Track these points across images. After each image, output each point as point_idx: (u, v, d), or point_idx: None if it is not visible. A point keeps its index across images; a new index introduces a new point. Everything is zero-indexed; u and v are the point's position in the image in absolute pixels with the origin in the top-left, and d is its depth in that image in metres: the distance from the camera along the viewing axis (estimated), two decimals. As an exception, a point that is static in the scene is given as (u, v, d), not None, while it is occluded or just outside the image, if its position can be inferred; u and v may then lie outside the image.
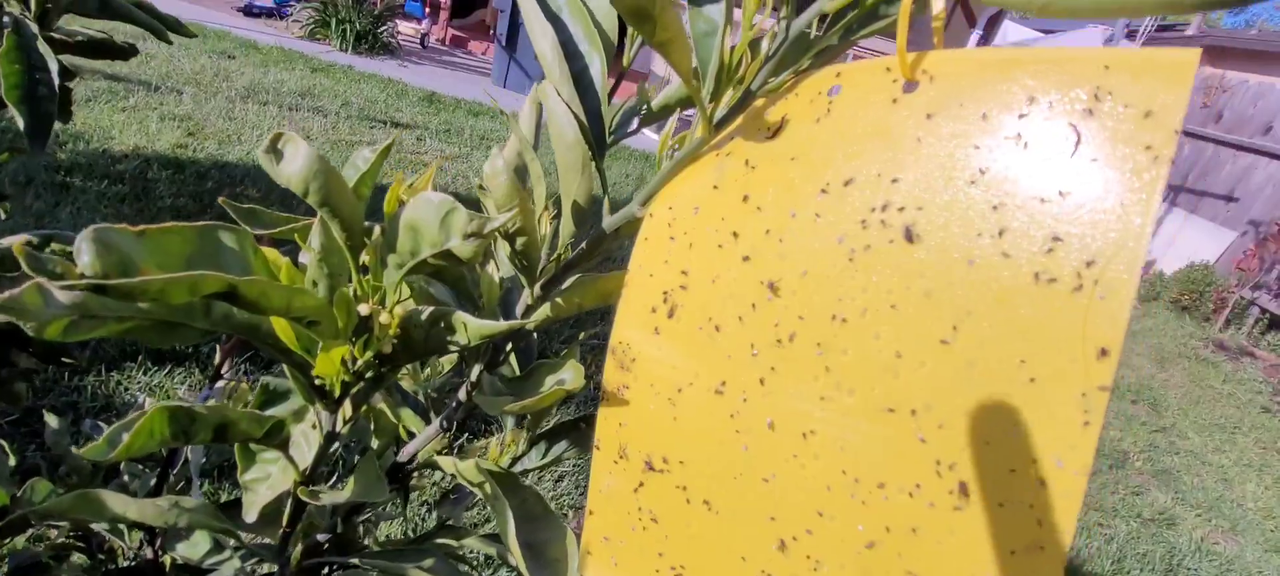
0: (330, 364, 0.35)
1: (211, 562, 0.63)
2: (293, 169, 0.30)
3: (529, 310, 0.44)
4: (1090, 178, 0.24)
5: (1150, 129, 0.23)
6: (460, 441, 0.76)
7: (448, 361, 0.64)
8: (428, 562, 0.54)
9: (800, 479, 0.30)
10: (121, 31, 0.74)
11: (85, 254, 0.25)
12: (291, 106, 4.34)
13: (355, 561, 0.52)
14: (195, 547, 0.64)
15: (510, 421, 0.60)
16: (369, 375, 0.39)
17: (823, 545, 0.29)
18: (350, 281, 0.36)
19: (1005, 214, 0.25)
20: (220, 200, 0.40)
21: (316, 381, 0.38)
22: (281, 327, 0.35)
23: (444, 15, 8.79)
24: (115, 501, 0.44)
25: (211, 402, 0.70)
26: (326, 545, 0.58)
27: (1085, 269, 0.23)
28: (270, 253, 0.36)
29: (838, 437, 0.29)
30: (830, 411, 0.29)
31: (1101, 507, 2.72)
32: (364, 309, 0.34)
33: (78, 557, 0.80)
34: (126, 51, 0.68)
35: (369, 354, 0.36)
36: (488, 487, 0.43)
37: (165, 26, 0.70)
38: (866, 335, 0.28)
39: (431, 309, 0.37)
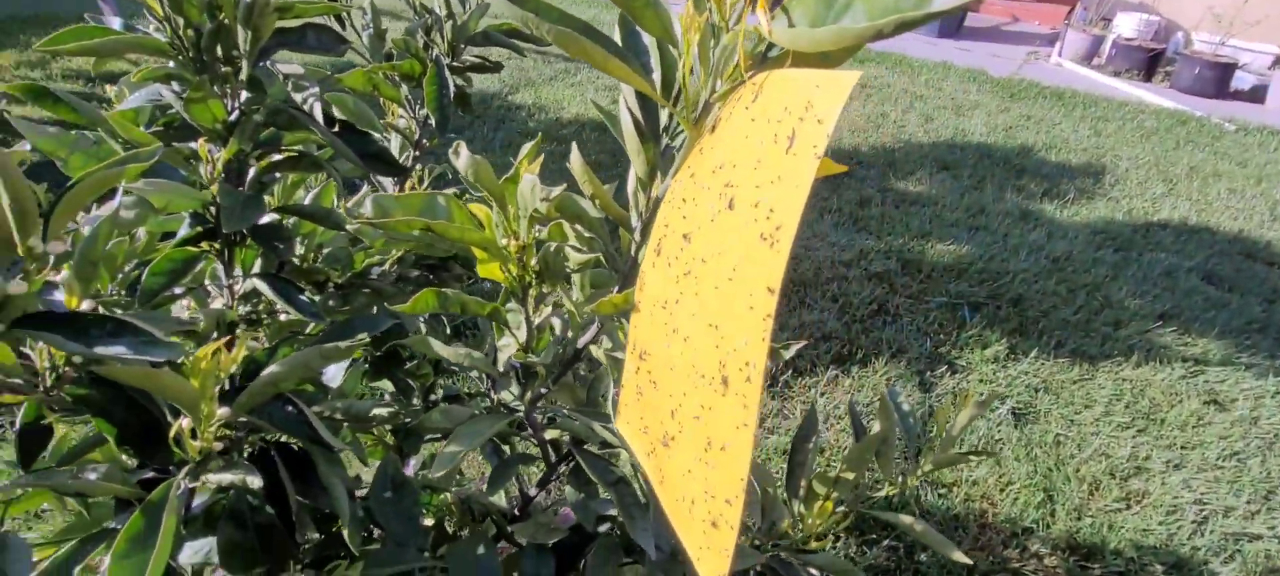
0: (491, 270, 0.60)
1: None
2: (460, 164, 0.55)
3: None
4: (789, 166, 0.33)
5: (820, 132, 0.32)
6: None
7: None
8: (604, 421, 0.78)
9: (683, 368, 0.44)
10: (494, 54, 1.12)
11: (367, 207, 0.55)
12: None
13: (565, 408, 0.79)
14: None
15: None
16: (530, 283, 0.63)
17: (685, 412, 0.43)
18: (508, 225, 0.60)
19: (760, 191, 0.36)
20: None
21: (502, 286, 0.64)
22: (476, 252, 0.61)
23: None
24: (436, 345, 0.79)
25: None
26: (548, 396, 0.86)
27: (775, 231, 0.33)
28: (478, 207, 0.62)
29: (695, 341, 0.42)
30: (695, 324, 0.42)
31: None
32: (503, 241, 0.58)
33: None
34: (495, 67, 1.04)
35: (518, 269, 0.60)
36: (606, 365, 0.64)
37: (522, 41, 1.05)
38: (711, 271, 0.41)
39: (557, 243, 0.60)
